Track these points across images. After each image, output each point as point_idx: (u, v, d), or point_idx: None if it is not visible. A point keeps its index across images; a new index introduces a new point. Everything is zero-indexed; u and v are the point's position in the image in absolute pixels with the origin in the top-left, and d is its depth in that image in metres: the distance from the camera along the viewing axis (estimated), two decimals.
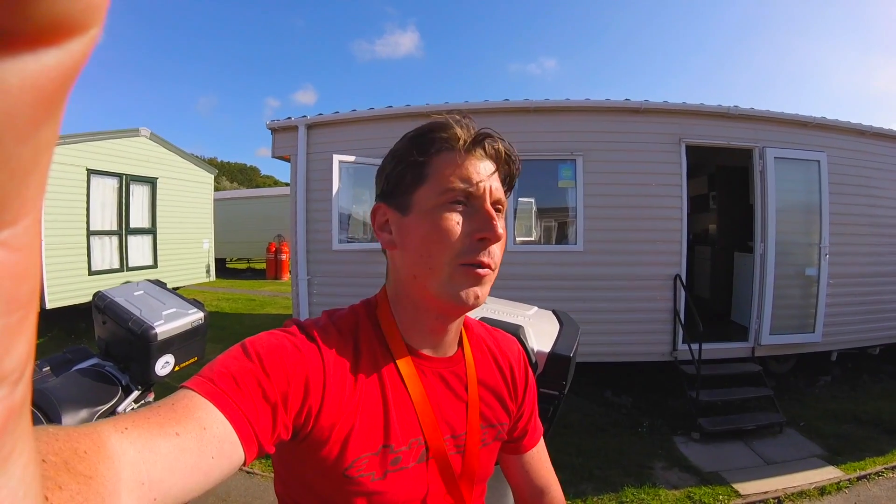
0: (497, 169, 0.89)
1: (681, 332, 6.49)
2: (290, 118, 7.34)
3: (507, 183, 0.93)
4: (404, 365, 0.89)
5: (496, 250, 0.86)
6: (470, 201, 0.85)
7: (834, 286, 7.00)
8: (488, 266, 0.85)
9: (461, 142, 0.87)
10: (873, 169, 7.39)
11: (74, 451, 0.45)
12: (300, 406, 0.76)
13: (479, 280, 0.85)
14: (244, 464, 0.68)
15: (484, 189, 0.86)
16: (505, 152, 0.90)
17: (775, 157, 6.79)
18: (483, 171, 0.86)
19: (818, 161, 6.97)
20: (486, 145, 0.88)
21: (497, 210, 0.88)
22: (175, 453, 0.57)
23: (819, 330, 6.93)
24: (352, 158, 6.76)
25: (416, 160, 0.88)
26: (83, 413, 2.28)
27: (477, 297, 0.85)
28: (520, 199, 6.98)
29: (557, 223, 7.13)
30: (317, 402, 0.78)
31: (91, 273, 9.58)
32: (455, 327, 0.95)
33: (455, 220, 0.84)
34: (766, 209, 6.77)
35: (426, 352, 0.93)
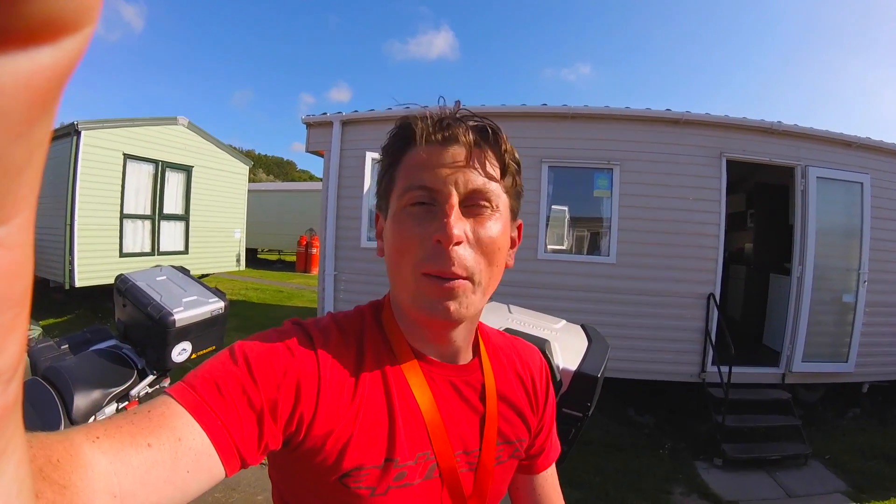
0: (471, 155, 0.77)
1: (711, 353, 6.34)
2: (325, 114, 7.40)
3: (501, 167, 0.81)
4: (412, 371, 0.83)
5: (464, 253, 0.75)
6: (433, 199, 0.77)
7: (871, 314, 6.78)
8: (453, 275, 0.74)
9: (423, 134, 0.78)
10: None
11: (48, 458, 0.44)
12: (290, 413, 0.70)
13: (447, 293, 0.75)
14: (226, 477, 0.63)
15: (444, 183, 0.76)
16: (477, 134, 0.78)
17: (818, 177, 6.60)
18: (446, 162, 0.77)
19: (861, 183, 6.78)
20: (449, 131, 0.78)
21: (476, 205, 0.78)
22: (146, 466, 0.53)
23: (853, 359, 6.72)
24: None
25: (387, 164, 0.84)
26: (96, 394, 2.30)
27: (448, 312, 0.75)
28: (553, 206, 6.90)
29: (590, 233, 7.05)
30: (310, 409, 0.72)
31: (122, 255, 9.83)
32: (461, 336, 0.86)
33: (414, 223, 0.77)
34: (805, 230, 6.60)
35: (433, 357, 0.86)
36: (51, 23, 0.16)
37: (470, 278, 0.76)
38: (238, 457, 0.64)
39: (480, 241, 0.77)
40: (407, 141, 0.81)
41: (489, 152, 0.79)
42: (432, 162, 0.77)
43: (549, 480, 1.07)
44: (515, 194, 0.85)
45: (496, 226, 0.79)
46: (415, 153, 0.79)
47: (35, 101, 0.17)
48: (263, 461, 0.72)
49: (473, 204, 0.77)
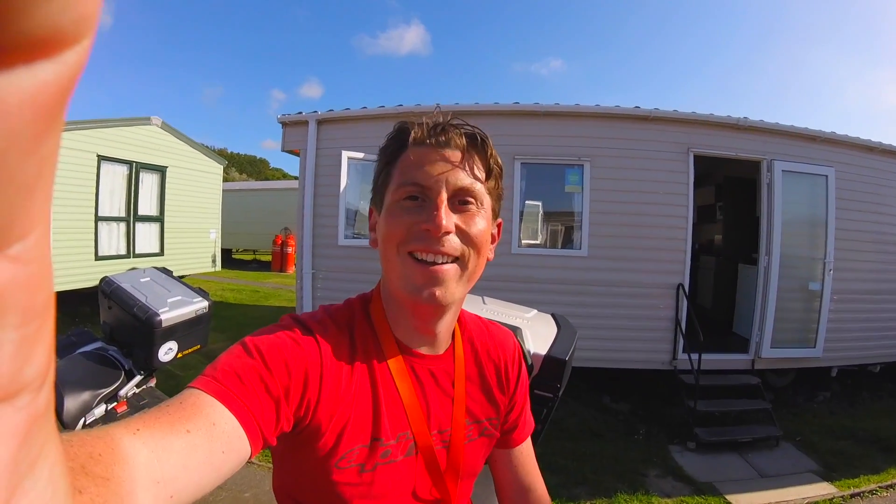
0: (460, 158, 0.86)
1: (681, 341, 6.49)
2: (300, 113, 7.38)
3: (485, 170, 0.89)
4: (394, 361, 0.91)
5: (454, 240, 0.84)
6: (425, 194, 0.85)
7: (837, 302, 6.97)
8: (436, 252, 0.83)
9: (418, 137, 0.87)
10: (881, 185, 7.36)
11: (90, 454, 0.46)
12: (300, 399, 0.78)
13: (433, 278, 0.83)
14: (250, 457, 0.69)
15: (436, 181, 0.84)
16: (467, 139, 0.87)
17: (783, 171, 6.78)
18: (438, 163, 0.85)
19: (826, 176, 6.96)
20: (443, 136, 0.86)
21: (463, 202, 0.86)
22: (187, 450, 0.58)
23: (820, 345, 6.91)
24: (360, 155, 6.78)
25: (384, 163, 0.92)
26: (85, 395, 2.28)
27: (433, 296, 0.83)
28: (527, 202, 6.99)
29: (563, 227, 7.15)
30: (315, 395, 0.79)
31: (98, 258, 9.67)
32: (444, 325, 0.94)
33: (405, 213, 0.85)
34: (771, 222, 6.77)
35: (417, 349, 0.94)
36: (50, 37, 0.17)
37: (460, 258, 0.85)
38: (262, 437, 0.71)
39: (468, 233, 0.85)
40: (403, 142, 0.88)
41: (476, 157, 0.88)
42: (426, 162, 0.85)
43: (524, 453, 1.15)
44: (497, 196, 0.94)
45: (482, 221, 0.88)
46: (410, 154, 0.87)
47: (41, 116, 0.17)
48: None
49: (462, 201, 0.86)
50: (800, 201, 6.94)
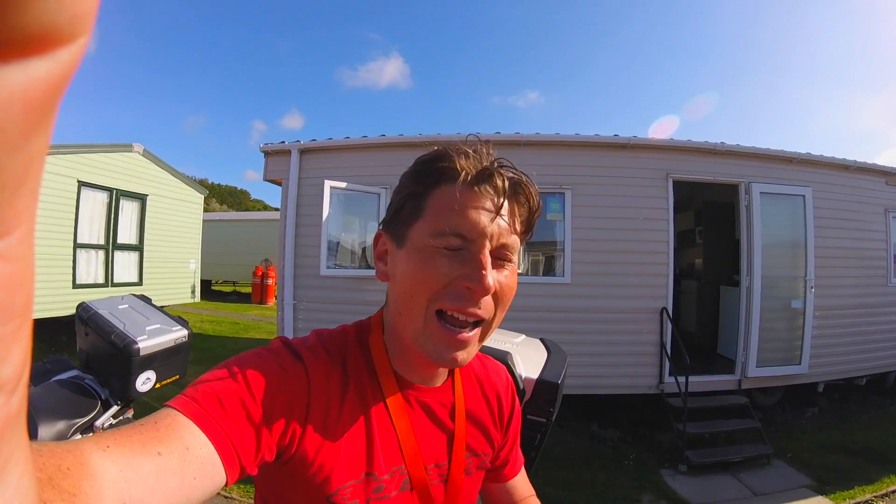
0: (507, 209, 0.80)
1: (667, 364, 6.50)
2: (283, 142, 7.37)
3: (525, 223, 0.84)
4: (390, 394, 0.87)
5: (489, 300, 0.79)
6: (466, 245, 0.77)
7: (820, 318, 7.06)
8: (470, 314, 0.78)
9: (464, 175, 0.78)
10: (857, 202, 7.54)
11: (58, 467, 0.45)
12: (284, 428, 0.74)
13: (459, 344, 0.79)
14: (226, 485, 0.66)
15: (482, 233, 0.77)
16: (517, 189, 0.81)
17: (761, 192, 6.90)
18: (485, 212, 0.77)
19: (803, 196, 7.09)
20: (494, 180, 0.78)
21: (502, 257, 0.81)
22: (157, 473, 0.55)
23: (805, 361, 6.98)
24: (343, 185, 6.77)
25: (414, 191, 0.83)
26: (60, 424, 2.22)
27: (456, 361, 0.80)
28: None
29: (545, 256, 7.16)
30: (301, 425, 0.76)
31: (75, 286, 9.48)
32: None
33: (443, 265, 0.77)
34: (752, 243, 6.86)
35: (414, 382, 0.90)
36: (45, 34, 0.17)
37: (489, 321, 0.81)
38: (239, 466, 0.67)
39: (502, 290, 0.81)
40: (440, 175, 0.80)
41: (520, 208, 0.83)
42: (471, 208, 0.78)
43: (519, 481, 1.14)
44: (524, 245, 0.89)
45: (513, 277, 0.83)
46: (451, 192, 0.79)
47: (31, 113, 0.17)
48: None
49: (500, 256, 0.81)
50: (779, 221, 7.06)
